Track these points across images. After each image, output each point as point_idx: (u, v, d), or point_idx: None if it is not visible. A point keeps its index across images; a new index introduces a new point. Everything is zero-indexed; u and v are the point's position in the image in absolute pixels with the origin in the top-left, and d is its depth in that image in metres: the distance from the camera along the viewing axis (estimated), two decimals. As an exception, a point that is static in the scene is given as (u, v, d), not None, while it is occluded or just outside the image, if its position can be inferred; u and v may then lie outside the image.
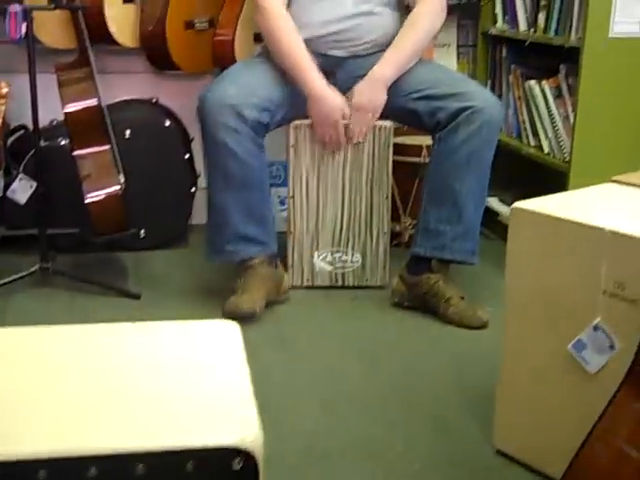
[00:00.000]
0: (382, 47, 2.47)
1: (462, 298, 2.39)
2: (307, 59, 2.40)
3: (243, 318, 2.17)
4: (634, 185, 1.69)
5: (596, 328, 1.46)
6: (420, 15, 2.46)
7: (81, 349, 1.10)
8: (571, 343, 1.51)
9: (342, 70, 2.51)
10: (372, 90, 2.41)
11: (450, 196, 2.36)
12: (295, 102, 2.42)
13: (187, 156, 3.01)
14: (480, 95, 2.34)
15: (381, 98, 2.41)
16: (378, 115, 2.45)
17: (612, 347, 1.45)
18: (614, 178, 1.73)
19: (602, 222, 1.45)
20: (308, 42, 2.45)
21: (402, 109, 2.43)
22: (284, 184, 2.95)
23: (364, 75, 2.43)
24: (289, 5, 2.48)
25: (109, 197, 2.50)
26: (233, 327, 1.08)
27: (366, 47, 2.51)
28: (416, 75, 2.43)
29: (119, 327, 1.14)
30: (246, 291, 2.37)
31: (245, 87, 2.34)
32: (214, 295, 2.51)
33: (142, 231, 2.89)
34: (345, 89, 2.47)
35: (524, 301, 1.62)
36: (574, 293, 1.50)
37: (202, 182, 3.08)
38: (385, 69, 2.40)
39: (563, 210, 1.53)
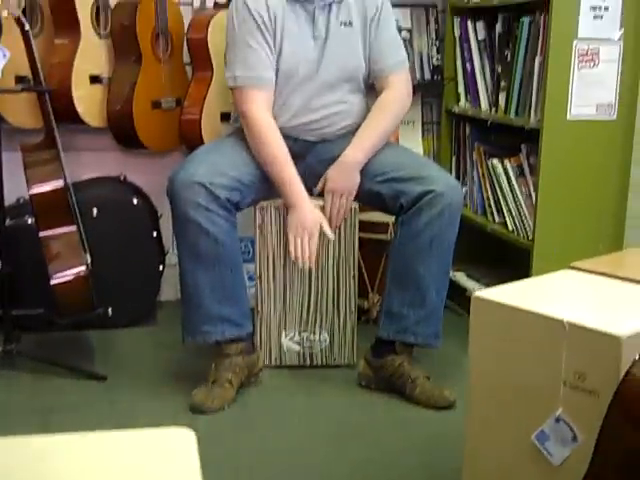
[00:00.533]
0: (351, 131, 2.52)
1: (428, 378, 2.40)
2: (292, 171, 2.42)
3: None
4: (592, 272, 1.71)
5: (558, 419, 1.47)
6: (389, 101, 2.52)
7: (26, 462, 1.07)
8: (534, 434, 1.51)
9: (311, 154, 2.56)
10: (345, 174, 2.44)
11: (413, 280, 2.38)
12: (265, 185, 2.45)
13: (155, 234, 3.01)
14: (442, 179, 2.38)
15: (354, 180, 2.45)
16: (353, 197, 2.47)
17: (575, 439, 1.46)
18: (573, 264, 1.76)
19: (561, 313, 1.47)
20: (281, 129, 2.48)
21: (367, 192, 2.47)
22: (253, 260, 2.96)
23: (333, 158, 2.47)
24: None
25: (75, 278, 2.49)
26: (188, 436, 1.07)
27: (336, 133, 2.57)
28: (381, 158, 2.47)
29: (66, 439, 1.12)
30: (218, 383, 2.36)
31: (215, 166, 2.35)
32: (183, 377, 2.49)
33: (109, 309, 2.87)
34: (314, 172, 2.50)
35: (487, 389, 1.62)
36: (536, 383, 1.51)
37: (171, 259, 3.11)
38: (356, 153, 2.44)
39: (522, 299, 1.55)
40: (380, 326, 2.46)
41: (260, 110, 2.44)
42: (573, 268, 1.75)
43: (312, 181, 2.49)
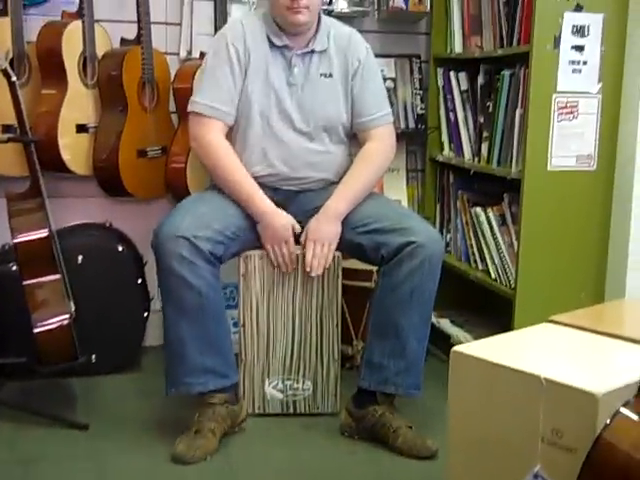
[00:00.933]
0: (333, 181, 2.56)
1: (410, 427, 2.39)
2: (251, 183, 2.46)
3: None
4: (571, 326, 1.73)
5: (536, 476, 1.47)
6: (373, 152, 2.55)
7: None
8: (513, 490, 1.51)
9: (294, 204, 2.57)
10: (326, 224, 2.46)
11: (393, 330, 2.38)
12: (249, 236, 2.47)
13: (140, 280, 3.01)
14: (422, 231, 2.39)
15: (335, 231, 2.46)
16: (334, 247, 2.49)
17: (552, 495, 1.46)
18: (552, 318, 1.77)
19: (538, 369, 1.48)
20: (260, 178, 2.51)
21: (348, 242, 2.48)
22: (237, 306, 2.96)
23: (315, 208, 2.49)
24: (235, 143, 2.54)
25: (58, 327, 2.47)
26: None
27: (318, 184, 2.59)
28: (362, 209, 2.49)
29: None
30: (201, 433, 2.34)
31: (199, 219, 2.36)
32: (166, 426, 2.48)
33: (93, 356, 2.86)
34: (297, 221, 2.51)
35: (466, 442, 1.63)
36: (514, 438, 1.52)
37: (155, 304, 3.11)
38: (339, 204, 2.46)
39: (501, 355, 1.56)
40: (361, 376, 2.46)
41: (214, 134, 2.48)
42: (552, 322, 1.77)
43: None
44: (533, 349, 1.64)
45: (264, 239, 2.48)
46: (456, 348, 1.61)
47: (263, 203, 2.45)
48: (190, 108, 2.53)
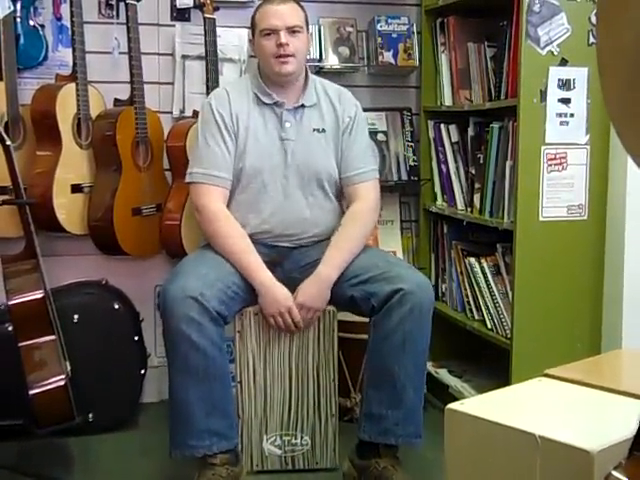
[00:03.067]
0: (327, 236, 2.57)
1: (412, 482, 2.38)
2: (255, 258, 2.47)
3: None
4: (566, 380, 1.73)
5: (534, 535, 1.46)
6: (360, 212, 2.57)
7: None
8: None
9: (288, 260, 2.59)
10: (316, 290, 2.48)
11: (389, 380, 2.37)
12: (247, 295, 2.48)
13: (136, 337, 3.00)
14: (410, 277, 2.38)
15: (325, 296, 2.49)
16: (321, 311, 2.52)
17: None
18: (547, 372, 1.77)
19: (533, 426, 1.48)
20: (255, 235, 2.53)
21: (341, 296, 2.49)
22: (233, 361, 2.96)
23: (310, 263, 2.51)
24: (229, 203, 2.56)
25: (54, 389, 2.46)
26: None
27: (312, 239, 2.61)
28: (355, 262, 2.50)
29: None
30: None
31: (203, 279, 2.35)
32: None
33: (90, 415, 2.85)
34: (291, 277, 2.54)
35: (465, 502, 1.62)
36: (512, 497, 1.51)
37: (152, 361, 3.11)
38: (330, 270, 2.47)
39: (496, 412, 1.56)
40: (361, 428, 2.44)
41: (215, 203, 2.50)
42: (547, 376, 1.76)
43: (291, 287, 2.51)
44: (528, 405, 1.64)
45: (265, 310, 2.48)
46: (450, 406, 1.61)
47: (266, 276, 2.46)
48: (189, 179, 2.55)
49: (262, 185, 2.55)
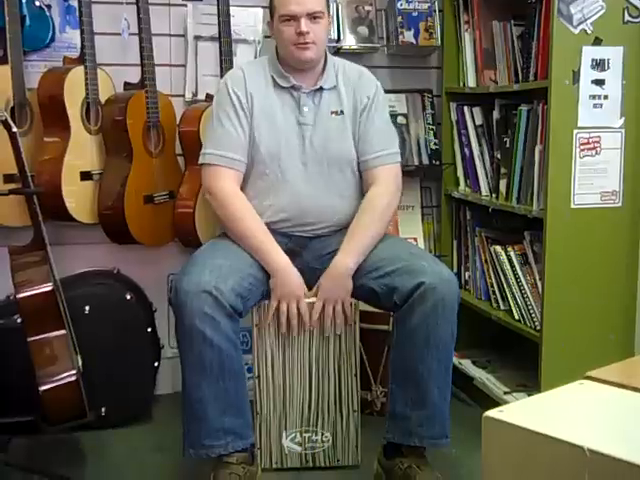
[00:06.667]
0: (347, 225, 2.46)
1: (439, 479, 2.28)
2: (269, 239, 2.38)
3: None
4: (610, 383, 1.62)
5: None
6: (377, 197, 2.45)
7: None
8: None
9: (307, 250, 2.50)
10: (336, 282, 2.38)
11: (412, 378, 2.27)
12: (265, 287, 2.39)
13: (150, 329, 2.92)
14: (433, 271, 2.26)
15: (346, 288, 2.39)
16: (348, 302, 2.41)
17: None
18: (588, 374, 1.66)
19: (580, 437, 1.37)
20: (272, 224, 2.44)
21: (361, 288, 2.39)
22: (251, 351, 2.87)
23: (330, 253, 2.42)
24: (246, 190, 2.47)
25: (65, 385, 2.37)
26: None
27: (331, 229, 2.51)
28: (375, 253, 2.40)
29: None
30: None
31: (218, 271, 2.25)
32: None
33: (103, 409, 2.78)
34: (312, 267, 2.45)
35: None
36: (556, 512, 1.41)
37: (166, 353, 3.02)
38: (347, 259, 2.37)
39: (537, 420, 1.45)
40: (386, 429, 2.35)
41: (228, 185, 2.42)
42: (589, 378, 1.65)
43: (311, 277, 2.42)
44: (572, 413, 1.53)
45: (273, 293, 2.38)
46: (488, 413, 1.50)
47: (281, 259, 2.37)
48: (201, 160, 2.47)
49: (279, 171, 2.45)
